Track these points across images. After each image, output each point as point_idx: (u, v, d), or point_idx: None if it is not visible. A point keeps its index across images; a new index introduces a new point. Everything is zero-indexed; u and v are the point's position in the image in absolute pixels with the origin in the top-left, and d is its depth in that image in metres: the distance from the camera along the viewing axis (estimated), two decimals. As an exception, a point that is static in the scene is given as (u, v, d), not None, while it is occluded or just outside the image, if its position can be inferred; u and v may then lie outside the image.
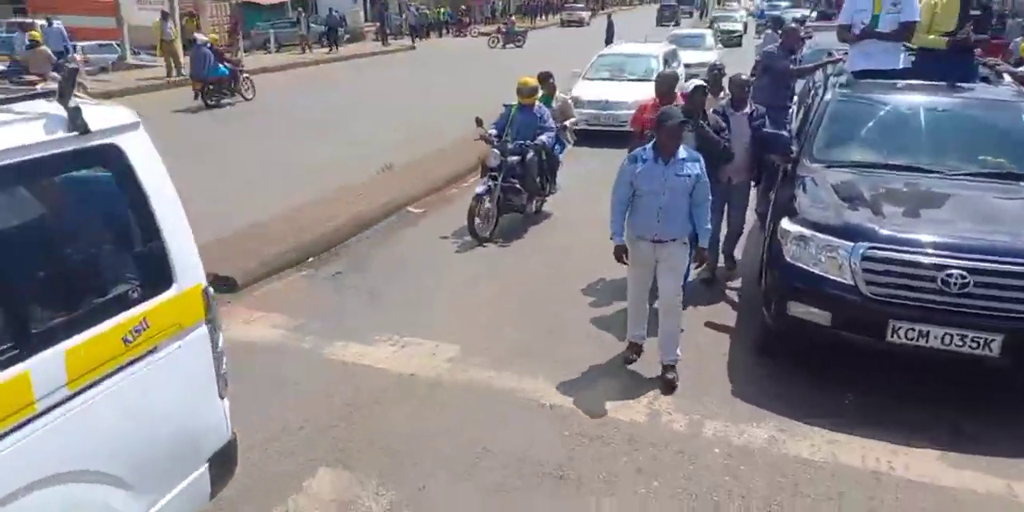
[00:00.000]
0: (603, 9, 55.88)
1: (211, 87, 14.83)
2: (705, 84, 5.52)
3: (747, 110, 5.71)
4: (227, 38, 20.73)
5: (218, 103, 14.88)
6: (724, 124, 5.48)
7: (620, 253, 4.54)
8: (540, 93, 7.39)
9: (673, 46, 14.92)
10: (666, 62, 12.57)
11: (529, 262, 6.60)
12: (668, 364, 4.51)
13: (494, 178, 7.00)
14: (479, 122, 7.35)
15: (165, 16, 18.74)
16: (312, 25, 27.58)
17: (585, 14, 49.09)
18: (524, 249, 6.96)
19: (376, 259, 6.70)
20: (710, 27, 28.41)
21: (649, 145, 4.40)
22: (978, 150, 4.97)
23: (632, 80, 12.14)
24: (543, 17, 49.93)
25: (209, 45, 15.05)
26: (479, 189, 6.97)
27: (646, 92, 7.22)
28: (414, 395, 4.37)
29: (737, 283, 6.05)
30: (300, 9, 29.03)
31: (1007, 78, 5.93)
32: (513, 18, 40.82)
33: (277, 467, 3.64)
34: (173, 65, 18.32)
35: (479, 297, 5.80)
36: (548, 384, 4.46)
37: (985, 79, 5.87)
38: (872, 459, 3.77)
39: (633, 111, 6.31)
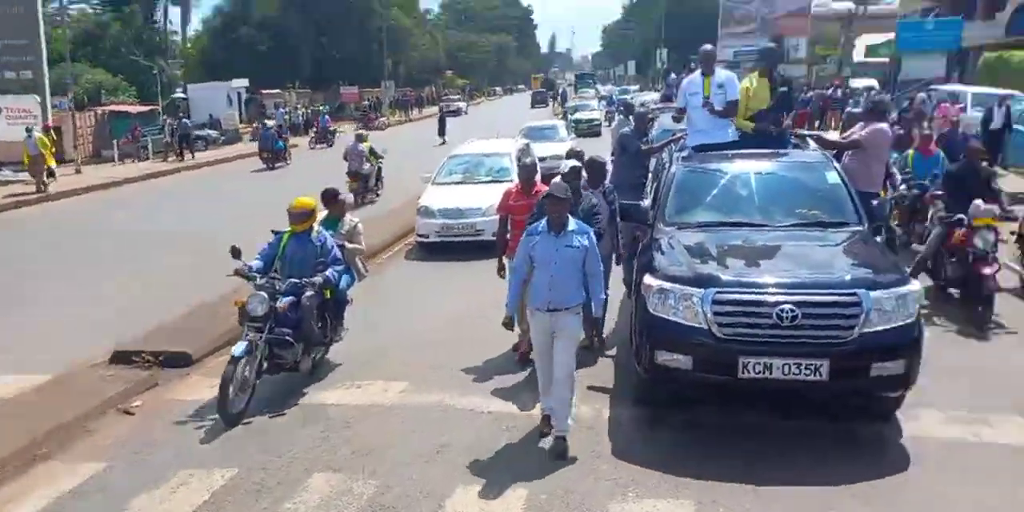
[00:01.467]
0: (472, 100, 59.34)
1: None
2: (579, 165, 6.32)
3: (601, 188, 6.53)
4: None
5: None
6: (595, 201, 6.14)
7: (507, 323, 5.10)
8: (322, 216, 6.37)
9: (526, 141, 14.36)
10: (519, 160, 11.15)
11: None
12: (559, 436, 4.89)
13: (258, 330, 5.54)
14: (235, 253, 5.79)
15: (29, 130, 18.53)
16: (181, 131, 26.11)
17: (462, 104, 51.95)
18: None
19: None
20: (564, 117, 28.58)
21: (543, 220, 4.96)
22: (795, 204, 5.96)
23: (486, 182, 11.44)
24: (416, 110, 51.82)
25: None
26: (237, 350, 5.42)
27: (500, 194, 7.03)
28: (377, 415, 5.53)
29: (613, 350, 6.58)
30: (166, 116, 28.94)
31: (812, 143, 7.14)
32: (380, 114, 41.64)
33: (275, 479, 4.67)
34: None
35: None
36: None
37: (796, 145, 7.04)
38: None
39: (490, 217, 6.78)
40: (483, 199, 10.40)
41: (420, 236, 10.96)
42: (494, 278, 6.53)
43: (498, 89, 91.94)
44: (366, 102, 44.58)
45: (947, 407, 5.24)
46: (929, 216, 8.45)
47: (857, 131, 7.27)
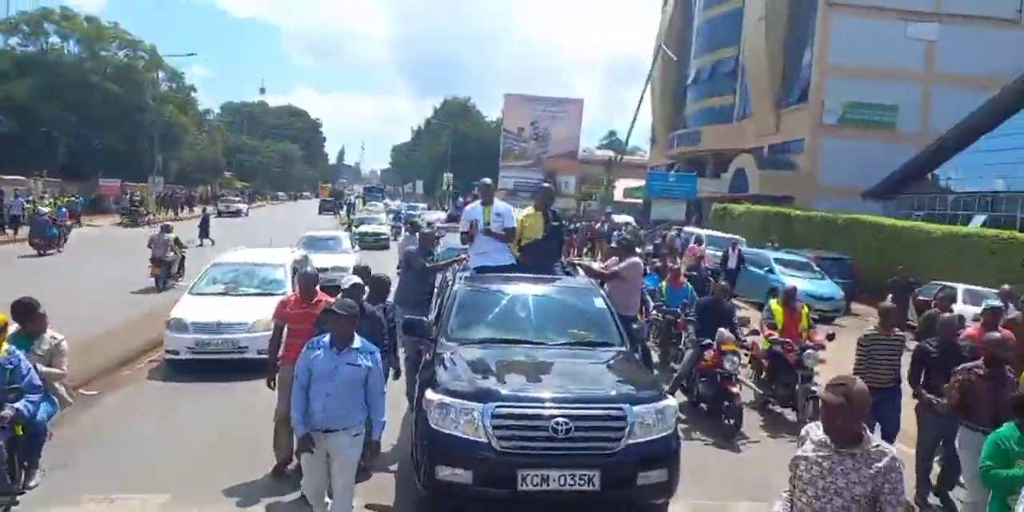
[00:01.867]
0: (253, 202, 57.70)
1: None
2: (360, 282, 6.35)
3: (383, 305, 6.67)
4: None
5: None
6: (382, 318, 6.23)
7: (305, 443, 4.67)
8: (11, 331, 5.22)
9: (304, 252, 13.24)
10: (295, 271, 10.37)
11: None
12: None
13: None
14: None
15: None
16: None
17: (243, 206, 50.08)
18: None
19: None
20: (350, 228, 28.29)
21: (327, 335, 4.76)
22: (567, 325, 6.47)
23: (253, 294, 10.34)
24: (187, 208, 48.83)
25: None
26: None
27: (270, 308, 6.84)
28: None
29: (395, 466, 6.45)
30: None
31: (581, 271, 7.91)
32: (147, 210, 38.99)
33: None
34: None
35: None
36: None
37: (567, 273, 7.73)
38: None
39: (256, 334, 6.49)
40: (249, 313, 9.47)
41: (169, 352, 9.42)
42: (259, 399, 6.15)
43: (281, 194, 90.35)
44: (127, 196, 41.34)
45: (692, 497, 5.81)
46: (682, 340, 9.56)
47: (614, 264, 8.20)
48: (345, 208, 49.56)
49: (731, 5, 37.18)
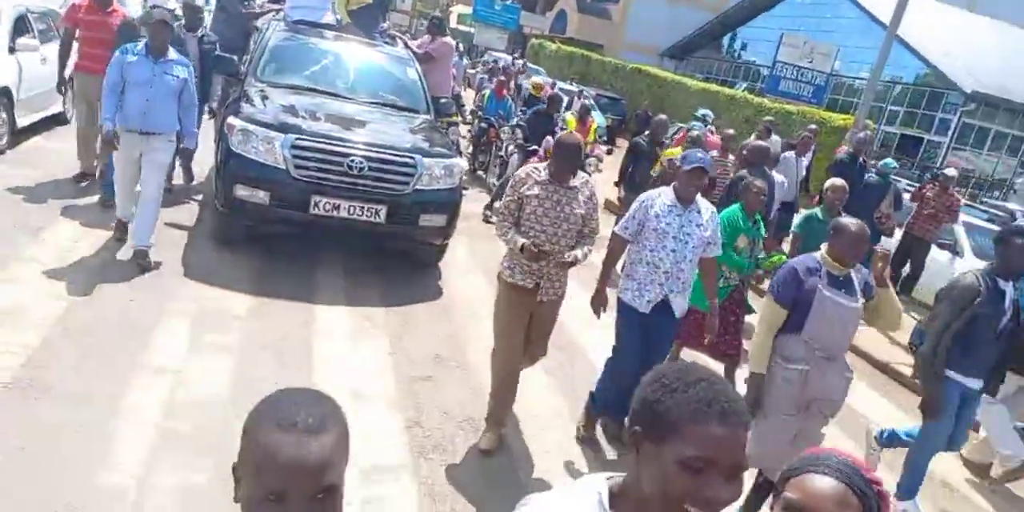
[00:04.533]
0: None
1: None
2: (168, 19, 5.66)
3: (199, 34, 6.08)
4: None
5: None
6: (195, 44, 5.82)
7: (111, 142, 4.64)
8: None
9: None
10: None
11: None
12: (142, 249, 4.73)
13: None
14: None
15: None
16: None
17: None
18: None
19: None
20: None
21: (141, 43, 4.63)
22: (379, 88, 6.35)
23: None
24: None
25: None
26: None
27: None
28: None
29: (199, 196, 6.39)
30: None
31: (400, 42, 7.60)
32: None
33: None
34: None
35: None
36: None
37: (387, 42, 7.41)
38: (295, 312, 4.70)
39: None
40: None
41: None
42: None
43: None
44: None
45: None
46: (503, 146, 9.26)
47: (427, 44, 8.00)
48: None
49: None
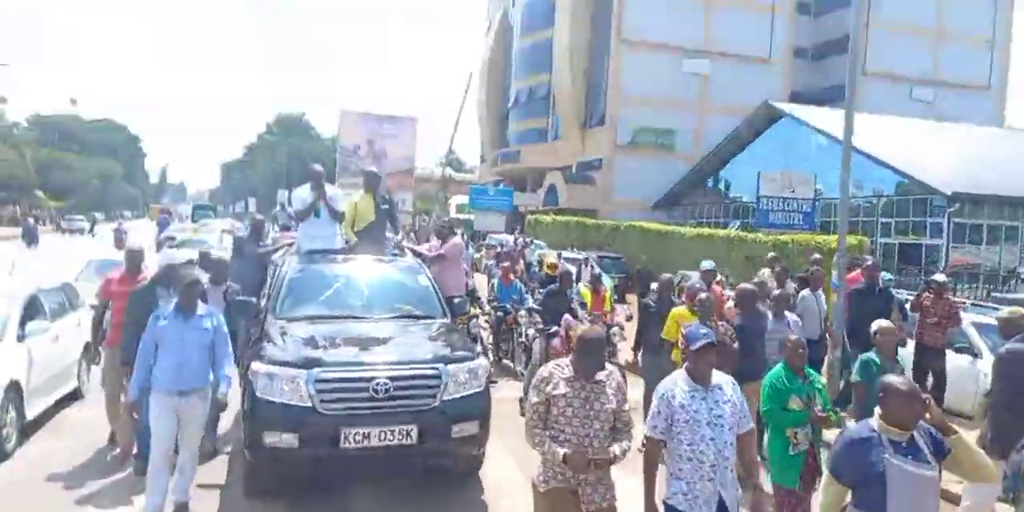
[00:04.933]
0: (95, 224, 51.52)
1: None
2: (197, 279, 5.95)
3: (224, 287, 6.42)
4: None
5: None
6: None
7: (134, 408, 4.79)
8: None
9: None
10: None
11: None
12: (183, 503, 4.78)
13: None
14: None
15: None
16: None
17: (85, 224, 45.44)
18: None
19: None
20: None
21: (171, 305, 4.84)
22: (393, 301, 6.47)
23: None
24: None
25: None
26: None
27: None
28: None
29: (228, 448, 6.21)
30: None
31: (408, 253, 7.89)
32: None
33: None
34: None
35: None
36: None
37: (395, 255, 7.69)
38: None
39: None
40: None
41: None
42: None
43: (97, 215, 77.16)
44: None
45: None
46: (523, 331, 9.23)
47: (437, 246, 8.35)
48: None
49: (543, 35, 38.30)
